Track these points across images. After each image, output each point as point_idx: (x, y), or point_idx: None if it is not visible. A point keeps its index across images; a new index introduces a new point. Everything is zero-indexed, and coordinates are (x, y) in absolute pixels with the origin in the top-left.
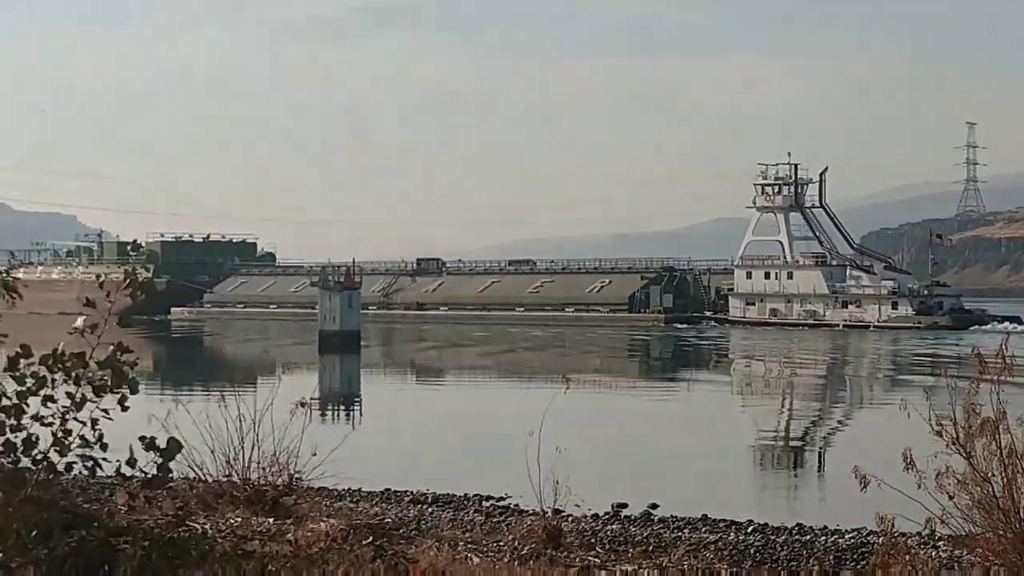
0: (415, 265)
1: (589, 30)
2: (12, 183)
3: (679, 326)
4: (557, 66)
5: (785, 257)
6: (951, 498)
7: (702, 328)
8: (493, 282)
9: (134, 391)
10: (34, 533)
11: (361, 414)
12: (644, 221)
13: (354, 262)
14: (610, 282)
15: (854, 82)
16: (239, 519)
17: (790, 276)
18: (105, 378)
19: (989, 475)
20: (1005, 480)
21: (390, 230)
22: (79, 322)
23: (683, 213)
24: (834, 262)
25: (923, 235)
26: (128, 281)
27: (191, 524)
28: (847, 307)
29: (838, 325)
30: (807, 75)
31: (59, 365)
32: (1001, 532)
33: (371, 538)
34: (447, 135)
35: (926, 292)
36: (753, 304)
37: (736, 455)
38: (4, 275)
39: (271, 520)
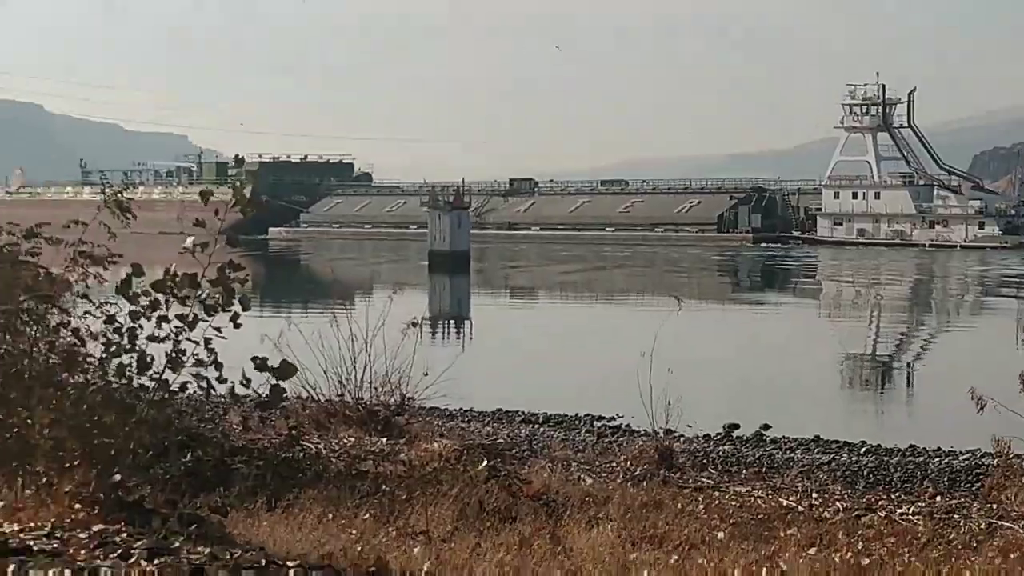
0: (508, 185)
1: None
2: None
3: (767, 246)
4: None
5: (872, 177)
6: None
7: (790, 248)
8: (584, 202)
9: (246, 308)
10: (150, 453)
11: (471, 335)
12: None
13: (463, 182)
14: (699, 202)
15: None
16: (352, 439)
17: (877, 196)
18: (216, 296)
19: None
20: None
21: (486, 151)
22: (188, 242)
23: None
24: (921, 182)
25: None
26: (236, 198)
27: (305, 444)
28: (934, 227)
29: (924, 245)
30: None
31: (171, 285)
32: None
33: (484, 458)
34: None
35: (1013, 212)
36: (840, 224)
37: (843, 376)
38: (119, 195)
39: (384, 440)
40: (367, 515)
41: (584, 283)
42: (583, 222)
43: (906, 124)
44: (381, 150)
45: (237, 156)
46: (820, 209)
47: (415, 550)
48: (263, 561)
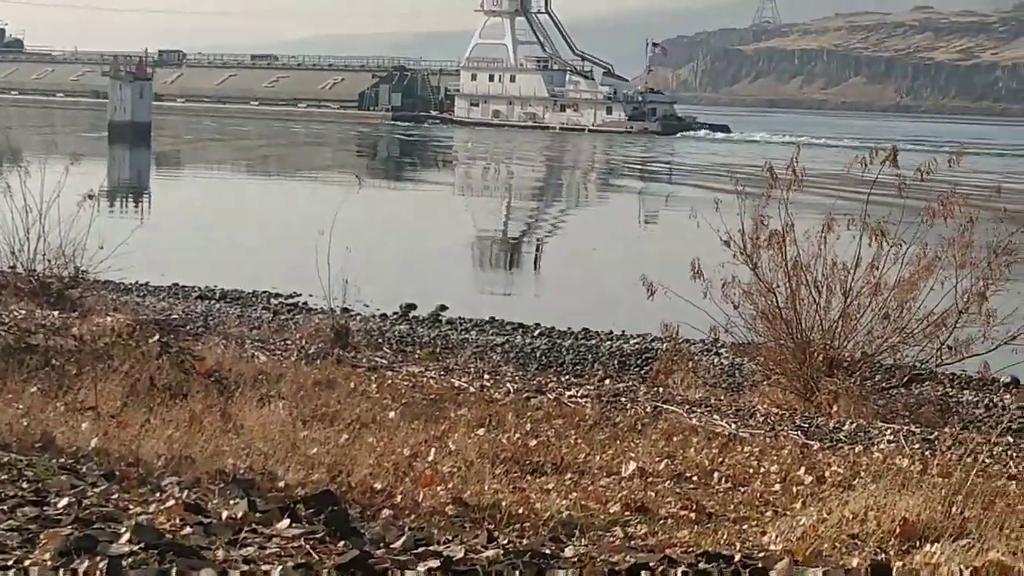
0: (156, 56)
1: None
2: None
3: (405, 124)
4: None
5: (509, 61)
6: (736, 308)
7: (427, 127)
8: (231, 75)
9: None
10: None
11: (150, 207)
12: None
13: (147, 52)
14: (343, 79)
15: None
16: (23, 312)
17: (512, 79)
18: None
19: (774, 286)
20: (789, 291)
21: (135, 18)
22: None
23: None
24: (556, 67)
25: (718, 44)
26: None
27: None
28: (565, 111)
29: (555, 128)
30: None
31: None
32: (783, 341)
33: (157, 334)
34: None
35: (640, 98)
36: (477, 105)
37: (512, 256)
38: None
39: (56, 313)
40: (35, 389)
41: (243, 157)
42: (229, 95)
43: (543, 10)
44: (33, 15)
45: None
46: (459, 90)
47: (83, 425)
48: None
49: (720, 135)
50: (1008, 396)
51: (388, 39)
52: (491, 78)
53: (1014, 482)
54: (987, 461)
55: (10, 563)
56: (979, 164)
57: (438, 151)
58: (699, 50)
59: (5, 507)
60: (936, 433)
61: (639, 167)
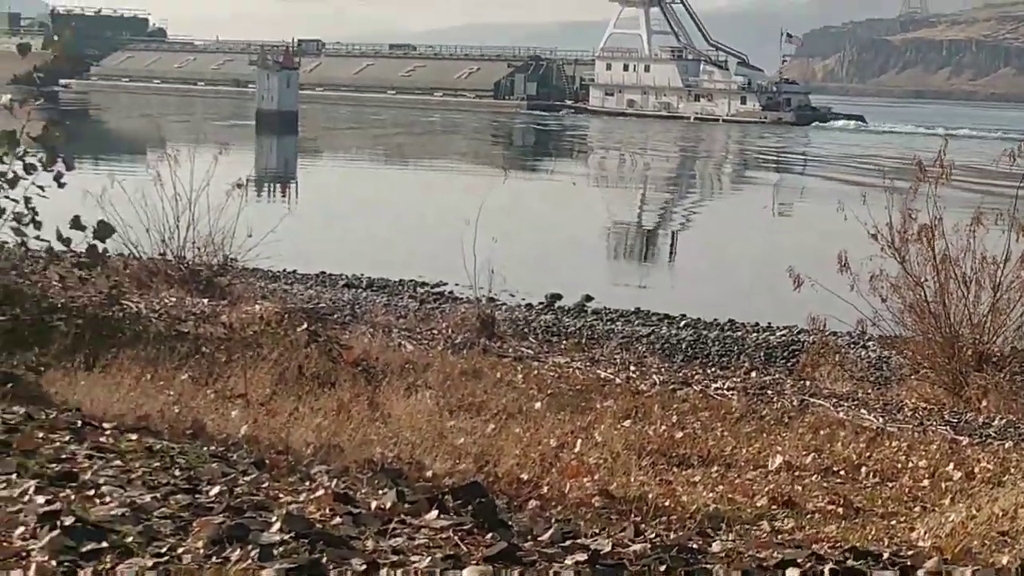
0: (296, 46)
1: None
2: None
3: (540, 113)
4: None
5: (643, 51)
6: (884, 301)
7: (562, 116)
8: (368, 65)
9: (70, 168)
10: None
11: (298, 196)
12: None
13: (295, 41)
14: (479, 69)
15: None
16: (173, 299)
17: (647, 69)
18: (39, 155)
19: (922, 280)
20: (937, 285)
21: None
22: (5, 99)
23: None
24: (690, 57)
25: (866, 34)
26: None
27: (125, 303)
28: (699, 100)
29: (689, 117)
30: None
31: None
32: (931, 335)
33: (305, 323)
34: None
35: (775, 89)
36: (612, 95)
37: (658, 248)
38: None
39: (205, 301)
40: (186, 376)
41: (382, 146)
42: (366, 84)
43: (678, 0)
44: (178, 3)
45: (53, 10)
46: (593, 79)
47: (233, 413)
48: (79, 422)
49: (853, 125)
50: None
51: (534, 29)
52: (625, 68)
53: None
54: None
55: (163, 550)
56: None
57: (573, 140)
58: (846, 40)
59: (159, 494)
60: None
61: (774, 157)
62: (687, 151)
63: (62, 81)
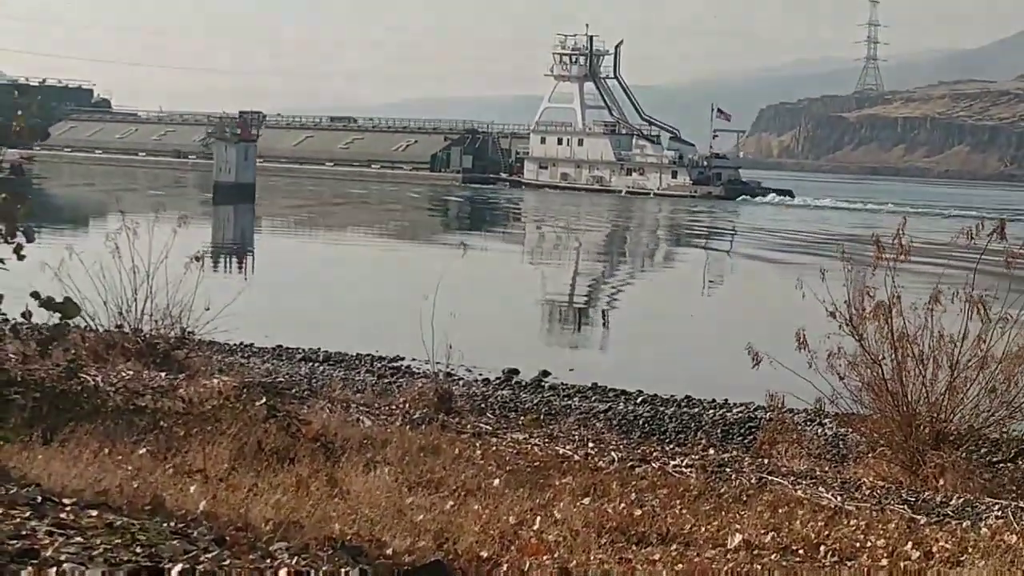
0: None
1: None
2: None
3: (476, 186)
4: None
5: (577, 125)
6: (841, 378)
7: (497, 189)
8: (307, 136)
9: (30, 239)
10: None
11: (254, 269)
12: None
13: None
14: (416, 141)
15: None
16: (131, 372)
17: (580, 143)
18: None
19: (880, 357)
20: (895, 363)
21: (216, 79)
22: None
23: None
24: (623, 131)
25: (821, 110)
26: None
27: (83, 376)
28: (631, 174)
29: (621, 191)
30: None
31: None
32: (888, 413)
33: (264, 397)
34: None
35: (705, 163)
36: (546, 168)
37: (609, 324)
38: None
39: (163, 375)
40: (144, 451)
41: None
42: (305, 156)
43: (612, 75)
44: (125, 76)
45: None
46: (528, 153)
47: (192, 488)
48: (39, 497)
49: (779, 200)
50: None
51: (487, 102)
52: (559, 141)
53: None
54: None
55: None
56: None
57: (509, 214)
58: (802, 116)
59: (121, 573)
60: None
61: (706, 230)
62: (619, 225)
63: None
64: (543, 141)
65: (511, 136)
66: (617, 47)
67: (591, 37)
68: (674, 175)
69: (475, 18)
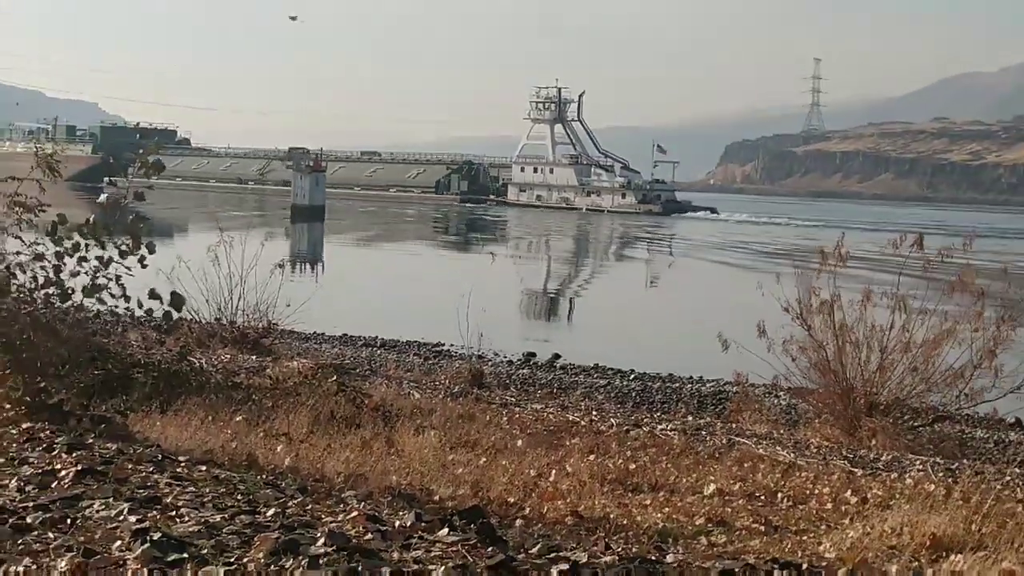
0: (286, 152)
1: None
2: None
3: (471, 205)
4: None
5: (549, 158)
6: (793, 360)
7: (487, 207)
8: (340, 167)
9: (151, 252)
10: (67, 366)
11: (324, 272)
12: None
13: (322, 151)
14: (424, 170)
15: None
16: (228, 356)
17: (551, 171)
18: (127, 243)
19: (824, 344)
20: (836, 348)
21: (268, 120)
22: (103, 197)
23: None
24: (584, 162)
25: (775, 146)
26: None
27: (191, 359)
28: (590, 196)
29: (582, 209)
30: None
31: (90, 233)
32: (831, 388)
33: (334, 375)
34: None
35: (648, 187)
36: (524, 191)
37: (606, 315)
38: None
39: (253, 357)
40: (240, 418)
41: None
42: (338, 183)
43: (577, 118)
44: (202, 118)
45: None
46: (511, 180)
47: (279, 448)
48: (159, 456)
49: (703, 215)
50: (1014, 434)
51: (485, 141)
52: (535, 170)
53: (1021, 505)
54: (999, 488)
55: (232, 560)
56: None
57: (497, 226)
58: (759, 151)
59: (226, 515)
60: (957, 464)
61: (649, 239)
62: (582, 235)
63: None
64: (522, 170)
65: (498, 166)
66: (580, 96)
67: (559, 89)
68: (623, 196)
69: (470, 75)
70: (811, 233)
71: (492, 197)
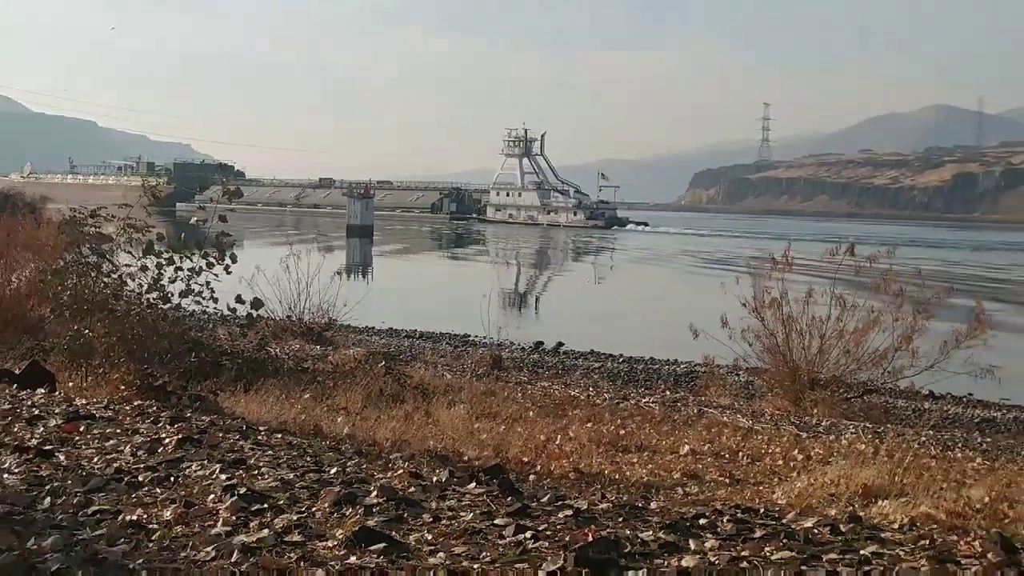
0: (316, 181)
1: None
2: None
3: (458, 222)
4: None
5: (518, 184)
6: (750, 345)
7: (470, 224)
8: None
9: (234, 262)
10: (169, 355)
11: (373, 278)
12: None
13: (370, 181)
14: (422, 195)
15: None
16: (297, 346)
17: (520, 195)
18: (215, 255)
19: (775, 332)
20: (784, 335)
21: (300, 156)
22: (193, 220)
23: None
24: (546, 187)
25: (733, 173)
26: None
27: (268, 349)
28: (550, 214)
29: (544, 224)
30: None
31: (184, 248)
32: (780, 368)
33: (383, 361)
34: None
35: (595, 206)
36: (499, 211)
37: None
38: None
39: (318, 347)
40: (308, 396)
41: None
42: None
43: (540, 153)
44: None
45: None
46: (489, 202)
47: (339, 419)
48: (244, 426)
49: (640, 228)
50: (928, 403)
51: (468, 172)
52: (507, 194)
53: (934, 460)
54: (917, 447)
55: (303, 509)
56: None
57: (481, 239)
58: (720, 178)
59: (297, 473)
60: (882, 428)
61: (600, 247)
62: (546, 244)
63: (179, 204)
64: (498, 194)
65: (479, 191)
66: (542, 136)
67: (526, 130)
68: (575, 214)
69: (459, 119)
70: (736, 243)
71: (475, 216)
